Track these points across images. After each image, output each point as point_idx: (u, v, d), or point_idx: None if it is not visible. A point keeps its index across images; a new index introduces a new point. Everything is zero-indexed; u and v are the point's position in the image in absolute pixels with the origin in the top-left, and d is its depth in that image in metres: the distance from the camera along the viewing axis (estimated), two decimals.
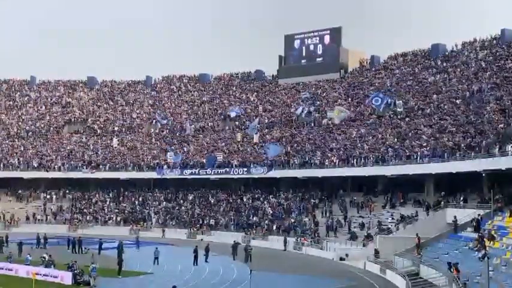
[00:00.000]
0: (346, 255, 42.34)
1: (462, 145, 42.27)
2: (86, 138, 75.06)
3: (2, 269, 34.56)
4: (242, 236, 52.36)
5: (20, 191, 69.08)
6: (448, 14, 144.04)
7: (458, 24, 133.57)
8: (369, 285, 33.10)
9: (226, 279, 33.92)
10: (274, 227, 53.14)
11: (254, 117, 67.09)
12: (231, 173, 60.54)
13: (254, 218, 56.13)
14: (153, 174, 65.21)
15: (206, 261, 40.39)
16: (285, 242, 48.73)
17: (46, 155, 71.26)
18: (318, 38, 73.99)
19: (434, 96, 54.66)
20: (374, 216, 47.52)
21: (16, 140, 75.22)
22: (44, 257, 35.18)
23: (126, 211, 64.02)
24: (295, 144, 60.72)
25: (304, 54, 74.84)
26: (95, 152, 71.21)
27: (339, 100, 64.85)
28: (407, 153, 46.96)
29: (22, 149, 72.88)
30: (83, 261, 34.88)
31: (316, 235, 48.28)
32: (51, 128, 77.28)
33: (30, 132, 76.59)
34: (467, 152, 40.53)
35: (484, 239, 30.73)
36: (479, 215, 35.94)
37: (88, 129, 76.79)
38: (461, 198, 40.90)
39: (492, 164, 36.67)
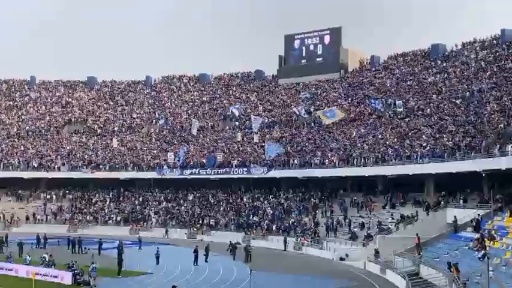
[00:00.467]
0: (346, 255, 42.34)
1: (462, 145, 42.25)
2: (86, 138, 75.09)
3: (2, 269, 34.57)
4: (242, 236, 52.39)
5: (20, 191, 69.05)
6: (448, 14, 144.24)
7: (458, 24, 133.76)
8: (368, 285, 33.08)
9: (226, 279, 33.92)
10: (274, 227, 53.17)
11: (257, 116, 66.93)
12: (231, 173, 60.60)
13: (254, 218, 56.16)
14: (153, 174, 65.27)
15: (206, 261, 40.42)
16: (285, 242, 48.76)
17: (46, 155, 71.28)
18: (318, 38, 74.03)
19: (434, 96, 54.69)
20: (374, 216, 47.47)
21: (16, 140, 75.21)
22: (44, 257, 35.19)
23: (126, 211, 64.03)
24: (295, 144, 60.75)
25: (304, 54, 74.87)
26: (95, 152, 71.27)
27: (339, 100, 64.88)
28: (407, 153, 46.94)
29: (22, 149, 72.87)
30: (83, 261, 34.91)
31: (316, 235, 48.27)
32: (51, 128, 77.31)
33: (30, 132, 76.61)
34: (467, 152, 40.53)
35: (484, 239, 30.68)
36: (479, 215, 35.93)
37: (88, 129, 76.83)
38: (461, 198, 40.88)
39: (492, 164, 36.68)
